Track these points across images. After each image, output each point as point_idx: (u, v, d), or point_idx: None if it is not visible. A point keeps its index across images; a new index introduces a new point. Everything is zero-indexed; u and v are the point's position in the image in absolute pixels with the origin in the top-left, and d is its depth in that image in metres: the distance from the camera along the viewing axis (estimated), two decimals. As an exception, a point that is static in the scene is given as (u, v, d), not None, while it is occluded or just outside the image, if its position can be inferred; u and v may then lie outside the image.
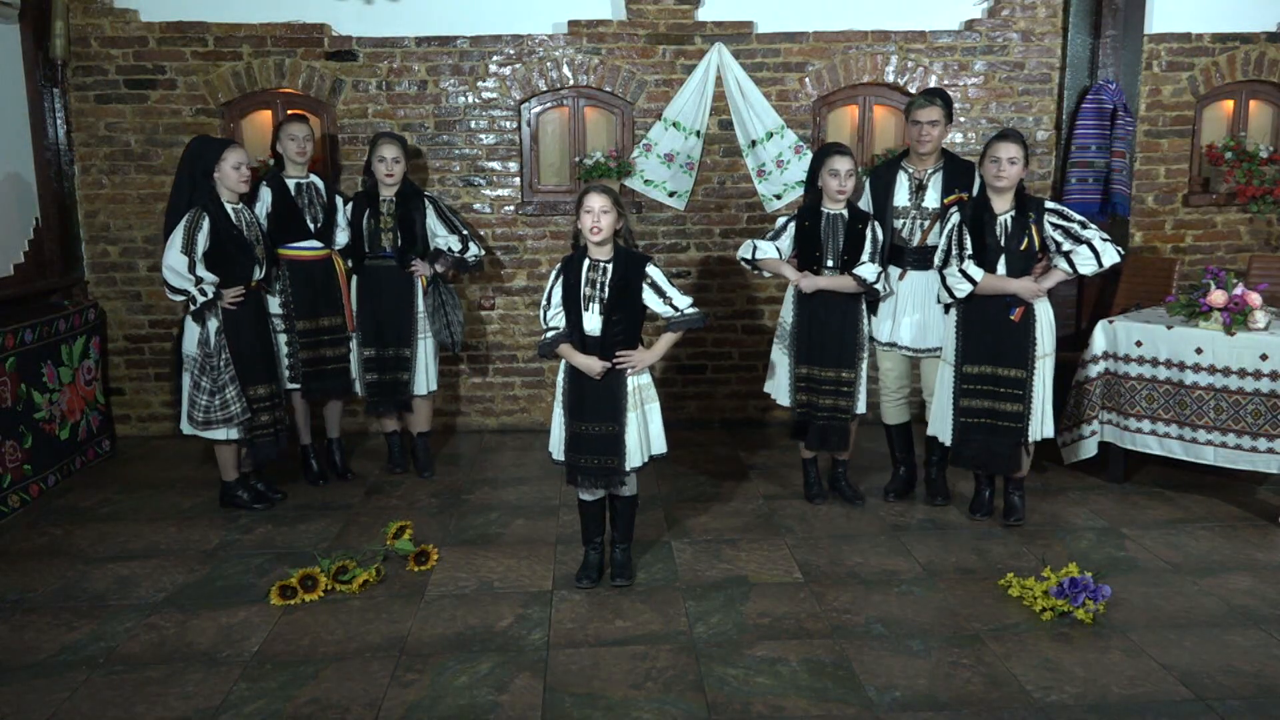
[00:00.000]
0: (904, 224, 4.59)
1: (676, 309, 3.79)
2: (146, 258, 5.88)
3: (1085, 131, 5.79)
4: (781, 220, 4.63)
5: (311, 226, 4.94)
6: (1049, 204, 4.34)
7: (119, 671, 3.33)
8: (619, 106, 5.97)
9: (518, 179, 5.96)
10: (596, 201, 3.68)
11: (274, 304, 4.93)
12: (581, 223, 3.72)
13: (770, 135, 5.87)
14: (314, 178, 5.05)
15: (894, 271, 4.61)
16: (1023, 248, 4.24)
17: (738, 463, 5.51)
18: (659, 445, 3.88)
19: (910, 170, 4.61)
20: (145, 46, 5.70)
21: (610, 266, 3.75)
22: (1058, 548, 4.26)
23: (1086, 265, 4.21)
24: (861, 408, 4.59)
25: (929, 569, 4.07)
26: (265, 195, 4.90)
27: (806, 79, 5.91)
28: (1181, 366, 4.66)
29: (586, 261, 3.77)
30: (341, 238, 5.07)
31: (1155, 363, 4.73)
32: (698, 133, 5.88)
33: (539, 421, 6.11)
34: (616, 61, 5.86)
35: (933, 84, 5.87)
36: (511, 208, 5.98)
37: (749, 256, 4.55)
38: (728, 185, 6.01)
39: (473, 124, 5.90)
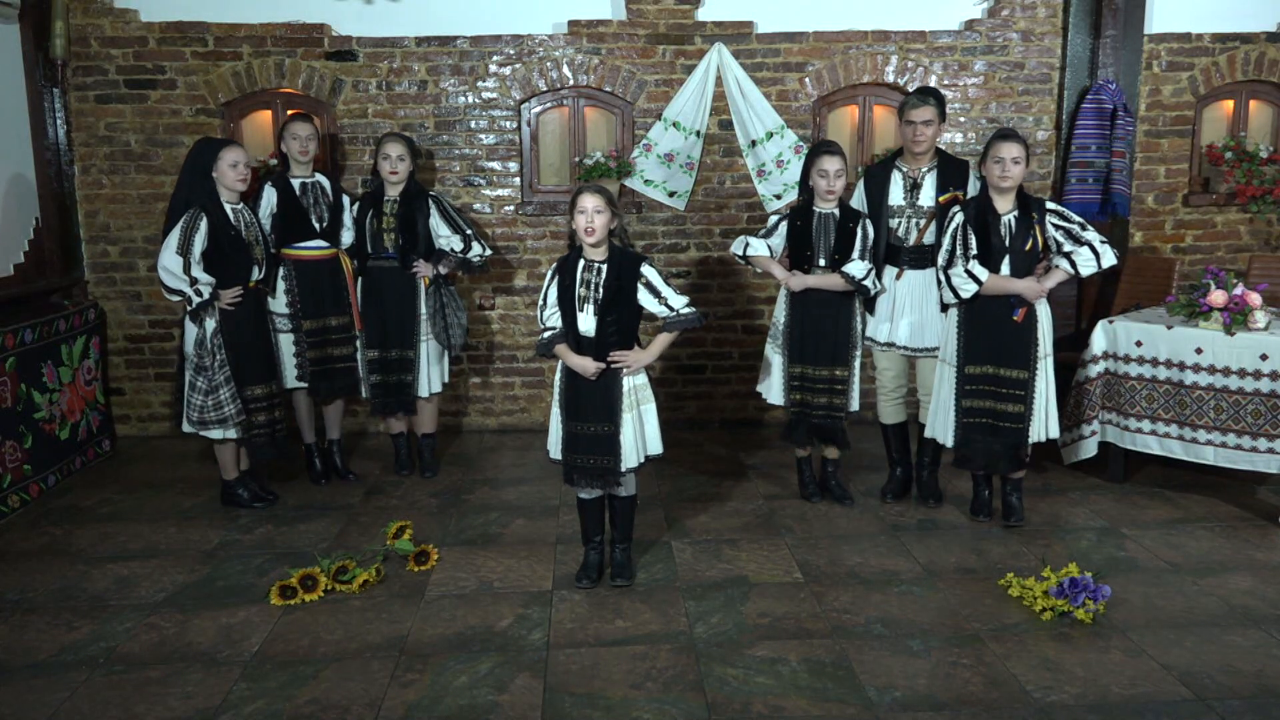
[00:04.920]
0: (899, 223, 4.58)
1: (672, 309, 3.78)
2: (146, 258, 5.88)
3: (1085, 131, 5.79)
4: (774, 219, 4.65)
5: (317, 226, 4.95)
6: (1049, 204, 4.34)
7: (119, 671, 3.33)
8: (619, 106, 5.97)
9: (518, 179, 5.96)
10: (590, 202, 3.66)
11: (277, 304, 4.94)
12: (575, 223, 3.69)
13: (770, 135, 5.87)
14: (319, 177, 5.05)
15: (890, 271, 4.61)
16: (1027, 248, 4.24)
17: (738, 463, 5.51)
18: (655, 446, 3.87)
19: (905, 169, 4.60)
20: (145, 46, 5.70)
21: (605, 267, 3.74)
22: (1058, 548, 4.27)
23: (1087, 266, 4.24)
24: (855, 405, 4.59)
25: (929, 569, 4.07)
26: (270, 195, 4.90)
27: (806, 79, 5.91)
28: (1181, 366, 4.65)
29: (581, 262, 3.76)
30: (347, 237, 5.06)
31: (1155, 363, 4.73)
32: (698, 133, 5.88)
33: (539, 421, 6.11)
34: (616, 61, 5.85)
35: (933, 84, 5.87)
36: (511, 208, 5.97)
37: (741, 253, 4.60)
38: (728, 185, 6.01)
39: (473, 124, 5.90)
